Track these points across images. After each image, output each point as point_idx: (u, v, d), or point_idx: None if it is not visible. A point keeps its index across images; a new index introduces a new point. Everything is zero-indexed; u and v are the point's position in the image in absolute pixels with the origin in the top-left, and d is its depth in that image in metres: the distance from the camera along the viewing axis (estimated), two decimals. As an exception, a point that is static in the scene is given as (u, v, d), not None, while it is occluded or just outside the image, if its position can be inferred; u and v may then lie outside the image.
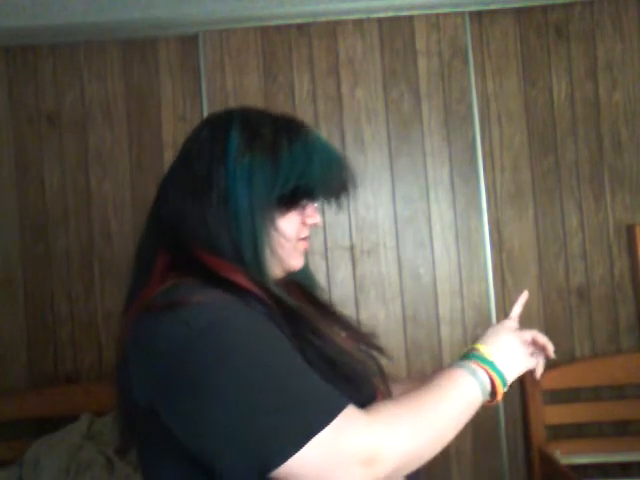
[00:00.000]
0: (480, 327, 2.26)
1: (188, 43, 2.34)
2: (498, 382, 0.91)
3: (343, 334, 1.03)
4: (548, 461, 2.10)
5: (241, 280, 0.85)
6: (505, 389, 0.92)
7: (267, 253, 0.89)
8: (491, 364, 0.91)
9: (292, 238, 0.94)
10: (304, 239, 0.97)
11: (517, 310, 1.11)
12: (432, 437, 0.82)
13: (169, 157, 2.30)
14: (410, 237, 2.31)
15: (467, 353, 0.94)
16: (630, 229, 2.28)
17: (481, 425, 2.25)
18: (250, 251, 0.87)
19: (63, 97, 2.34)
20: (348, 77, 2.34)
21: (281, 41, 2.34)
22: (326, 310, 1.05)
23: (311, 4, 2.28)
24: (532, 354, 1.04)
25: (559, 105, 2.34)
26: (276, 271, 0.95)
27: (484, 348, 0.94)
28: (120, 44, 2.35)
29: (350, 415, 0.76)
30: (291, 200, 0.91)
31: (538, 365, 1.04)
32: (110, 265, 2.29)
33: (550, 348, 1.04)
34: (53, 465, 1.89)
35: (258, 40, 2.34)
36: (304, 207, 0.95)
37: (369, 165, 2.32)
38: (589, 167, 2.32)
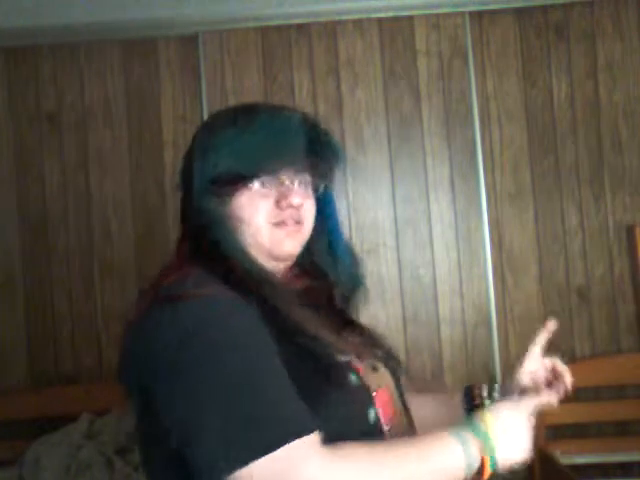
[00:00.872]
0: (480, 327, 2.26)
1: (188, 43, 2.34)
2: (487, 465, 0.83)
3: (356, 341, 0.99)
4: (548, 461, 2.10)
5: (237, 271, 0.87)
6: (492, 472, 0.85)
7: (234, 239, 0.90)
8: (488, 443, 0.83)
9: (254, 222, 0.91)
10: (282, 224, 0.92)
11: (541, 340, 1.07)
12: None
13: (169, 157, 2.30)
14: (410, 237, 2.31)
15: (470, 419, 0.87)
16: (630, 229, 2.27)
17: (481, 425, 2.24)
18: (222, 240, 0.89)
19: (63, 97, 2.34)
20: (348, 77, 2.34)
21: (281, 41, 2.34)
22: (345, 317, 1.02)
23: (311, 4, 2.28)
24: (550, 383, 1.02)
25: (559, 105, 2.33)
26: (262, 260, 0.93)
27: (490, 421, 0.85)
28: (120, 44, 2.35)
29: (311, 445, 0.73)
30: (229, 182, 0.90)
31: (554, 394, 1.01)
32: (110, 265, 2.29)
33: (568, 378, 1.01)
34: (53, 465, 1.89)
35: (258, 40, 2.34)
36: (253, 189, 0.91)
37: (369, 165, 2.32)
38: (589, 167, 2.32)
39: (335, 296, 1.02)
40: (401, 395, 0.97)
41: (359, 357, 0.93)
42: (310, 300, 0.99)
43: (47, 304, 2.29)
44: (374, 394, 0.89)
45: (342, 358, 0.88)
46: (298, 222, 0.93)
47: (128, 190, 2.32)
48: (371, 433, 0.85)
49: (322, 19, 2.32)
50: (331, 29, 2.34)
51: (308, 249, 0.99)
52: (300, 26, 2.34)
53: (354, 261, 1.04)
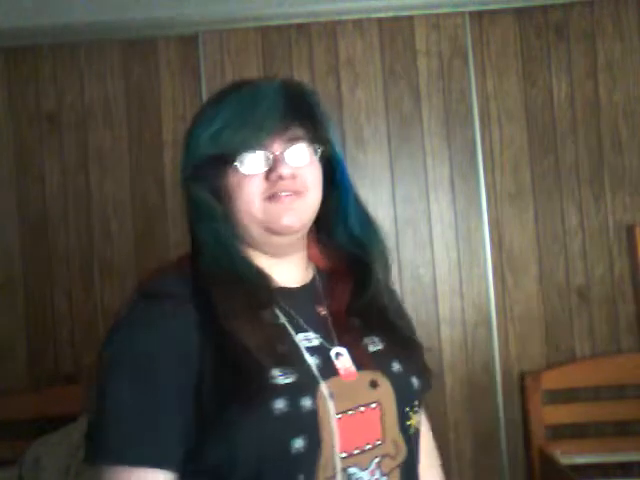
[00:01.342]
0: (480, 327, 2.26)
1: (188, 43, 2.34)
2: None
3: (368, 347, 0.92)
4: (548, 461, 2.10)
5: (199, 271, 0.87)
6: None
7: (216, 229, 0.88)
8: None
9: (246, 200, 0.87)
10: (275, 197, 0.87)
11: None
12: None
13: (169, 157, 2.30)
14: (410, 237, 2.31)
15: None
16: (630, 229, 2.28)
17: (481, 425, 2.24)
18: (199, 233, 0.89)
19: (63, 97, 2.34)
20: (348, 77, 2.34)
21: (281, 41, 2.34)
22: (371, 313, 0.94)
23: (311, 4, 2.28)
24: None
25: (559, 105, 2.33)
26: (263, 238, 0.90)
27: None
28: (120, 44, 2.35)
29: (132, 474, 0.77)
30: (214, 165, 0.88)
31: None
32: (110, 265, 2.29)
33: None
34: (53, 465, 1.89)
35: (258, 40, 2.34)
36: (236, 169, 0.87)
37: (369, 165, 2.32)
38: (589, 167, 2.32)
39: (364, 276, 0.94)
40: (405, 418, 0.89)
41: (362, 367, 0.88)
42: (336, 282, 0.94)
43: (47, 304, 2.29)
44: (337, 417, 0.82)
45: (280, 379, 0.80)
46: (297, 192, 0.88)
47: (128, 190, 2.32)
48: (291, 463, 0.79)
49: (322, 19, 2.33)
50: (331, 29, 2.34)
51: (322, 220, 0.94)
52: (300, 26, 2.34)
53: (369, 229, 0.96)
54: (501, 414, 2.25)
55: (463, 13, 2.33)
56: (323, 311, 0.93)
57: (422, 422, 1.01)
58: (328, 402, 0.82)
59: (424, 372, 0.95)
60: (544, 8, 2.34)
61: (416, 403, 0.91)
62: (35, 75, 2.34)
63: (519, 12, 2.35)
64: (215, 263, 0.87)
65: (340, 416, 0.82)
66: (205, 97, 2.30)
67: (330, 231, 0.97)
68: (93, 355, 2.40)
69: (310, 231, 0.95)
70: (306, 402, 0.80)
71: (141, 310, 0.84)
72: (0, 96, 2.34)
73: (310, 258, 0.98)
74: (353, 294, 0.94)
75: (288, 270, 0.94)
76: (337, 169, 0.95)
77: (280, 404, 0.79)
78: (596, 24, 2.34)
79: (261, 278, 0.89)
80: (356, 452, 0.83)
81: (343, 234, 0.96)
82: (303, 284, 0.95)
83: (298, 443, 0.79)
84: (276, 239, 0.90)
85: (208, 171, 0.88)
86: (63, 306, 2.29)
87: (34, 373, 2.27)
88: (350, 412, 0.84)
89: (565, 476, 1.92)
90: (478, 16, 2.34)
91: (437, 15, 2.33)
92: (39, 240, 2.30)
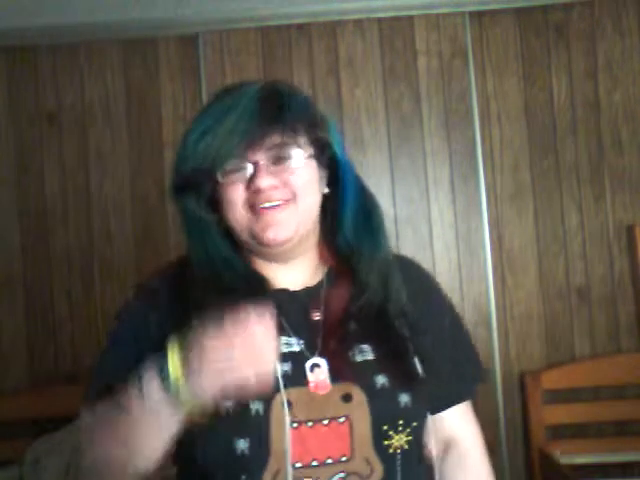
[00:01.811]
0: (480, 327, 2.26)
1: (188, 43, 2.34)
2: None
3: (356, 357, 0.87)
4: (548, 461, 2.10)
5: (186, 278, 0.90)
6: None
7: (202, 241, 0.90)
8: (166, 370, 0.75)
9: (231, 213, 0.86)
10: (257, 209, 0.84)
11: None
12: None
13: (169, 157, 2.30)
14: (410, 237, 2.31)
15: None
16: (630, 229, 2.28)
17: (481, 425, 2.24)
18: (189, 244, 0.92)
19: (63, 97, 2.34)
20: (348, 77, 2.34)
21: (281, 41, 2.34)
22: (365, 318, 0.89)
23: (311, 4, 2.28)
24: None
25: (559, 105, 2.33)
26: (252, 245, 0.88)
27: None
28: (120, 44, 2.35)
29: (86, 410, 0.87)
30: (197, 178, 0.88)
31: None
32: (110, 265, 2.29)
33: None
34: (53, 465, 1.89)
35: (258, 40, 2.34)
36: (219, 180, 0.86)
37: (369, 165, 2.32)
38: (589, 167, 2.32)
39: (361, 280, 0.91)
40: (382, 436, 0.83)
41: (338, 379, 0.84)
42: (339, 285, 0.91)
43: (47, 304, 2.29)
44: (292, 427, 0.80)
45: None
46: (285, 201, 0.85)
47: (128, 190, 2.32)
48: (236, 462, 0.80)
49: (322, 19, 2.32)
50: (331, 29, 2.34)
51: (327, 220, 0.93)
52: (300, 26, 2.34)
53: (367, 234, 0.93)
54: (501, 414, 2.25)
55: (463, 13, 2.33)
56: (317, 316, 0.89)
57: (467, 435, 1.08)
58: (284, 410, 0.80)
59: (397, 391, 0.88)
60: (544, 8, 2.34)
61: (401, 422, 0.84)
62: (35, 75, 2.34)
63: (519, 12, 2.35)
64: (201, 269, 0.88)
65: (296, 426, 0.81)
66: (205, 97, 2.30)
67: (332, 232, 0.95)
68: (93, 355, 2.41)
69: (320, 231, 0.94)
70: (256, 406, 0.80)
71: (127, 301, 0.94)
72: (0, 96, 2.34)
73: (321, 258, 0.95)
74: (353, 298, 0.91)
75: (291, 273, 0.92)
76: (339, 169, 0.93)
77: (227, 403, 0.79)
78: (596, 24, 2.34)
79: (247, 282, 0.87)
80: (315, 464, 0.81)
81: (341, 236, 0.94)
82: (305, 287, 0.92)
83: (242, 444, 0.79)
84: (267, 249, 0.88)
85: (198, 180, 0.89)
86: (63, 306, 2.29)
87: (34, 373, 2.27)
88: (309, 423, 0.82)
89: (565, 476, 1.92)
90: (478, 16, 2.34)
91: (437, 15, 2.33)
92: (39, 240, 2.30)
